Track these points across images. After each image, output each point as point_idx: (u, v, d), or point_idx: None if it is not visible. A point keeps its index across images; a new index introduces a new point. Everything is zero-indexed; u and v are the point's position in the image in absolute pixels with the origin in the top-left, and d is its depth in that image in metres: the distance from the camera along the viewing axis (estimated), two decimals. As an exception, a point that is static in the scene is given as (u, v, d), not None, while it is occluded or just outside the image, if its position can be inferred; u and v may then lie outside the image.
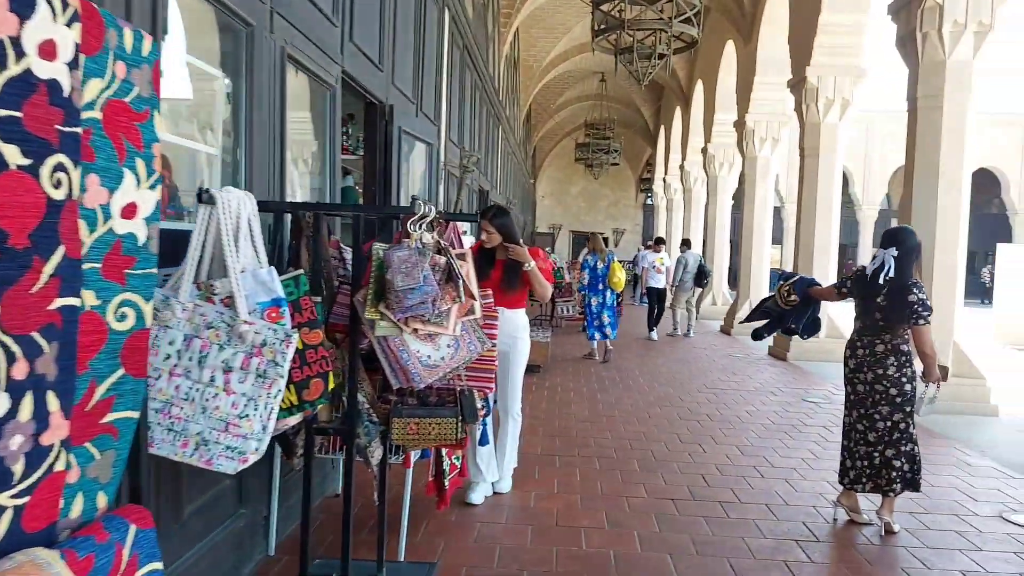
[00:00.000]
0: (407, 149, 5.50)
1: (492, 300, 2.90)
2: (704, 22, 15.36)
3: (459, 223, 3.58)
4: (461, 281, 2.16)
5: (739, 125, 13.46)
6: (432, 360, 2.21)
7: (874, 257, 3.81)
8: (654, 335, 12.01)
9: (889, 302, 3.61)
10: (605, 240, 13.14)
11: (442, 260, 2.18)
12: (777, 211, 28.71)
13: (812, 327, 4.17)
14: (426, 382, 2.23)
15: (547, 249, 13.30)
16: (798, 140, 10.58)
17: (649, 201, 30.93)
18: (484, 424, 3.71)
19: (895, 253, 3.64)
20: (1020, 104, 26.54)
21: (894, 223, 31.52)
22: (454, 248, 2.82)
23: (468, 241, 5.91)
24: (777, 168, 19.49)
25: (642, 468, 4.75)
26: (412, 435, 2.38)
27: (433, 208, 2.34)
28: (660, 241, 13.35)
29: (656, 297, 12.40)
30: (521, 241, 3.89)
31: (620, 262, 10.16)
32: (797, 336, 4.23)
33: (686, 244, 13.56)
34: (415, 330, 2.14)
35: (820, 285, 4.21)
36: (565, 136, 29.34)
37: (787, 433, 5.81)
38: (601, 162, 23.02)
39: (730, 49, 14.74)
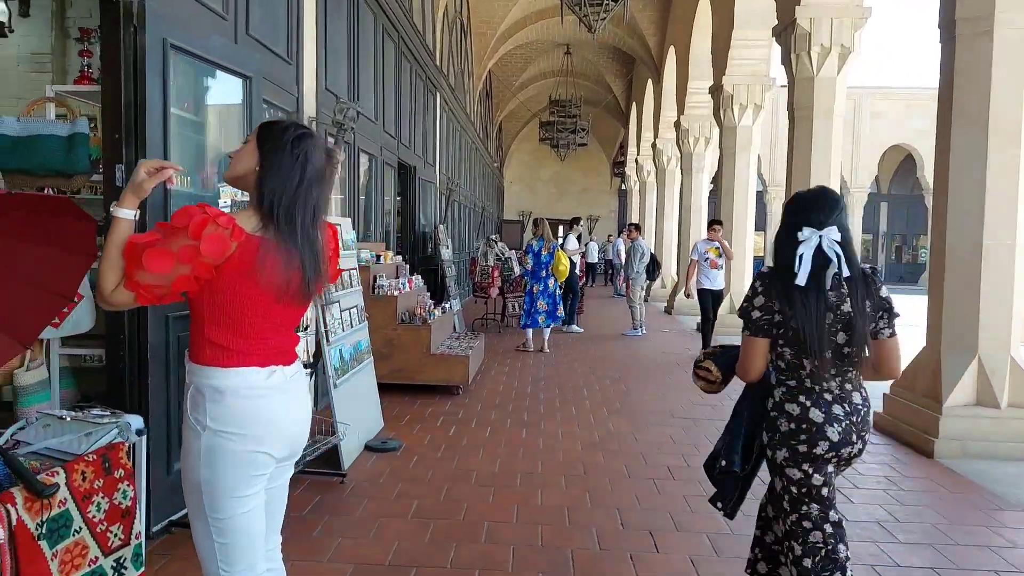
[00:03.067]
0: (187, 77, 3.52)
1: None
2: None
3: None
4: None
5: (715, 91, 11.60)
6: None
7: (796, 243, 2.05)
8: None
9: (858, 313, 2.03)
10: (571, 225, 11.46)
11: None
12: (760, 196, 27.08)
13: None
14: None
15: (494, 236, 11.38)
16: (787, 102, 8.71)
17: (625, 186, 29.09)
18: None
19: (837, 236, 2.04)
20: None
21: (883, 208, 30.13)
22: None
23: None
24: (759, 145, 17.68)
25: (548, 597, 2.84)
26: None
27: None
28: (716, 224, 8.92)
29: (713, 302, 8.64)
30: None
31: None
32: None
33: (636, 229, 11.83)
34: None
35: None
36: (533, 118, 27.30)
37: (783, 501, 3.93)
38: (568, 142, 21.05)
39: (705, 7, 12.88)
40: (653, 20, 16.83)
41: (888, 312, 2.08)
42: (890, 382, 5.68)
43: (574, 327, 10.84)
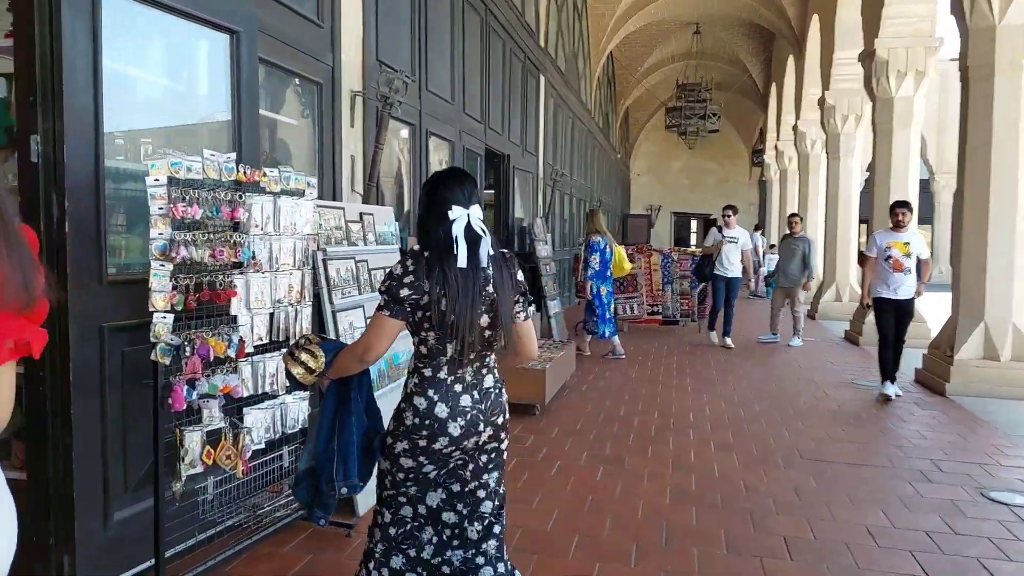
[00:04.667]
0: (139, 27, 2.81)
1: None
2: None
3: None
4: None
5: (866, 57, 9.82)
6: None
7: (448, 222, 1.93)
8: (892, 390, 6.16)
9: (502, 294, 1.98)
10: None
11: None
12: (925, 184, 23.82)
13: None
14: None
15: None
16: (959, 62, 7.00)
17: (765, 175, 26.75)
18: None
19: (481, 214, 2.00)
20: None
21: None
22: None
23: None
24: (923, 122, 15.22)
25: None
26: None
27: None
28: (901, 208, 6.14)
29: (898, 315, 6.11)
30: None
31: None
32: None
33: (800, 220, 9.87)
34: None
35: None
36: (661, 106, 25.65)
37: (958, 612, 2.65)
38: (696, 129, 19.37)
39: (854, -38, 11.06)
40: (794, -12, 14.96)
41: (524, 295, 2.09)
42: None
43: (728, 340, 8.98)
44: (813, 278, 9.38)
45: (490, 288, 1.96)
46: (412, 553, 2.04)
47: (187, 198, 2.56)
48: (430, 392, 1.96)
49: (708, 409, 5.76)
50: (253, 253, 2.86)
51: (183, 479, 2.59)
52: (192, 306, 2.60)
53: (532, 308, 2.07)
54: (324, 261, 3.42)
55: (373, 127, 4.85)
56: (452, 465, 2.01)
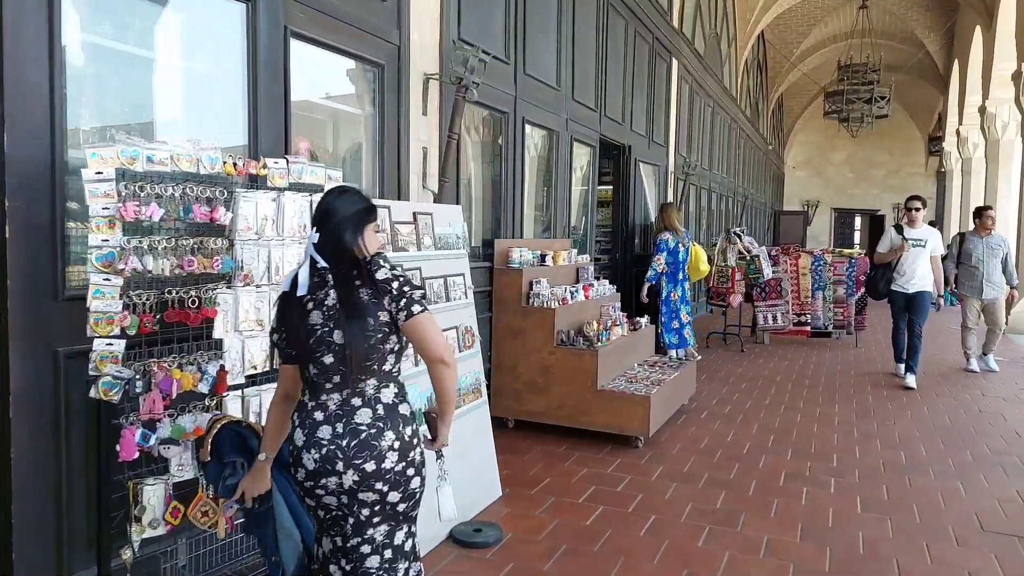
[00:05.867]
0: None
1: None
2: None
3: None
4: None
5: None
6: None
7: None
8: None
9: (342, 303, 1.77)
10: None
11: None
12: None
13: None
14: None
15: (737, 229, 9.21)
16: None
17: (945, 166, 23.55)
18: None
19: (315, 238, 1.82)
20: None
21: None
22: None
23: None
24: None
25: None
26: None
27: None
28: None
29: None
30: None
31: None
32: None
33: (991, 216, 7.48)
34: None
35: None
36: (820, 92, 23.27)
37: None
38: (861, 114, 17.18)
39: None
40: (984, -58, 12.76)
41: (391, 294, 1.80)
42: None
43: (910, 378, 6.68)
44: (1016, 283, 7.54)
45: (329, 300, 1.78)
46: None
47: (143, 195, 2.07)
48: (294, 416, 1.85)
49: (858, 451, 4.65)
50: (241, 263, 2.34)
51: (135, 545, 2.11)
52: (146, 329, 2.10)
53: (418, 307, 1.80)
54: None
55: (451, 103, 4.25)
56: (334, 514, 1.81)
